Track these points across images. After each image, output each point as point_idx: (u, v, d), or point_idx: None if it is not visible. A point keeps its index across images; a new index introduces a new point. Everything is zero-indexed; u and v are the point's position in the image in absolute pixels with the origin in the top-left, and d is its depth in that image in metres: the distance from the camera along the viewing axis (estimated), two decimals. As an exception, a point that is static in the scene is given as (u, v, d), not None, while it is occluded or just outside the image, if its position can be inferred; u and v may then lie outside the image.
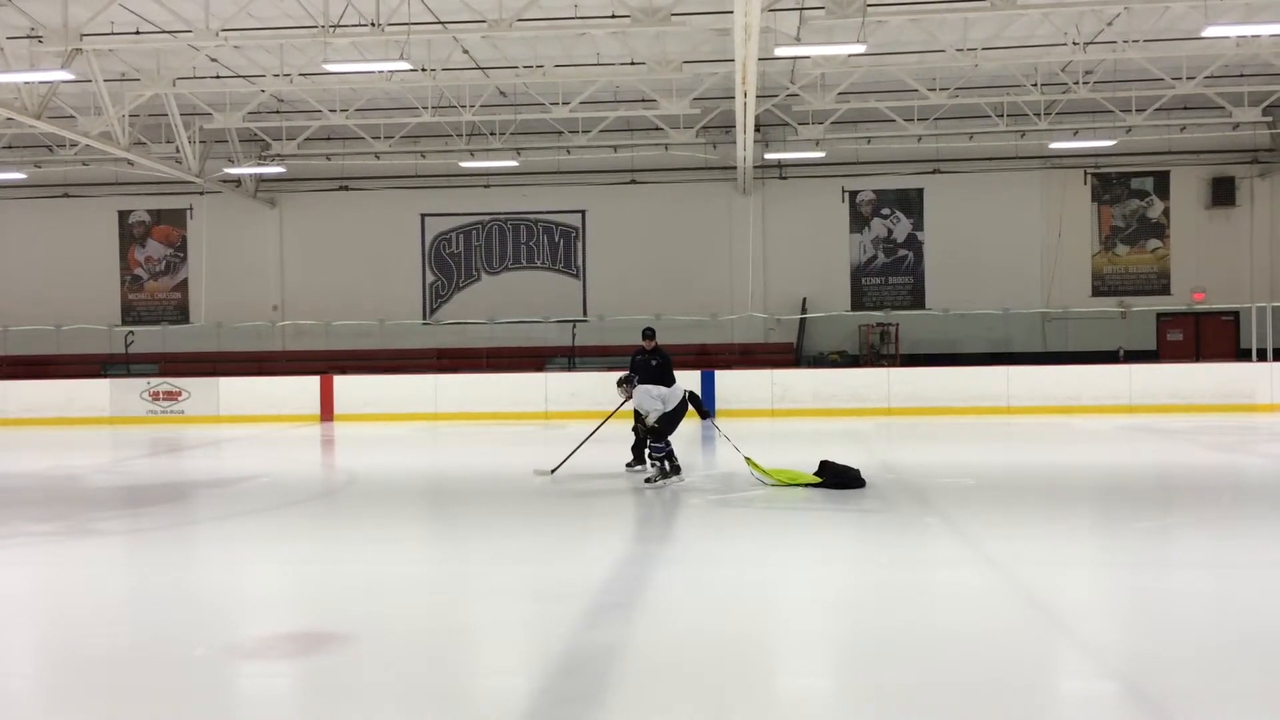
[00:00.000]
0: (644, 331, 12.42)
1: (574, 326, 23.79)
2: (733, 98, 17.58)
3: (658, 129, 23.07)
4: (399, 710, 4.56)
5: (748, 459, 11.29)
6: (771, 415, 19.25)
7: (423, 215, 25.61)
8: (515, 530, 9.04)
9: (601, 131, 22.76)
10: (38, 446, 16.95)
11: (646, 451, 11.05)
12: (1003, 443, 15.76)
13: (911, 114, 22.60)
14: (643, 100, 21.36)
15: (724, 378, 20.13)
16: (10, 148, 23.50)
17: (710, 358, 22.31)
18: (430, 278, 25.67)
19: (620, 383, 11.30)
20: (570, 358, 23.31)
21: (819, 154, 23.28)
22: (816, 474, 10.69)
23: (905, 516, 9.04)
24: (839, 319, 24.60)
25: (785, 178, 24.96)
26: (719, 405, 19.58)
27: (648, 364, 12.11)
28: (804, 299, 24.66)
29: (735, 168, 22.83)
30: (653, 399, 10.87)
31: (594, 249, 25.39)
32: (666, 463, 10.92)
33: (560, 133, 23.27)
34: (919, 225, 25.06)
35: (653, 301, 24.11)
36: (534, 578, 7.11)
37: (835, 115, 22.15)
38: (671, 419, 10.91)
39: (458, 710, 4.61)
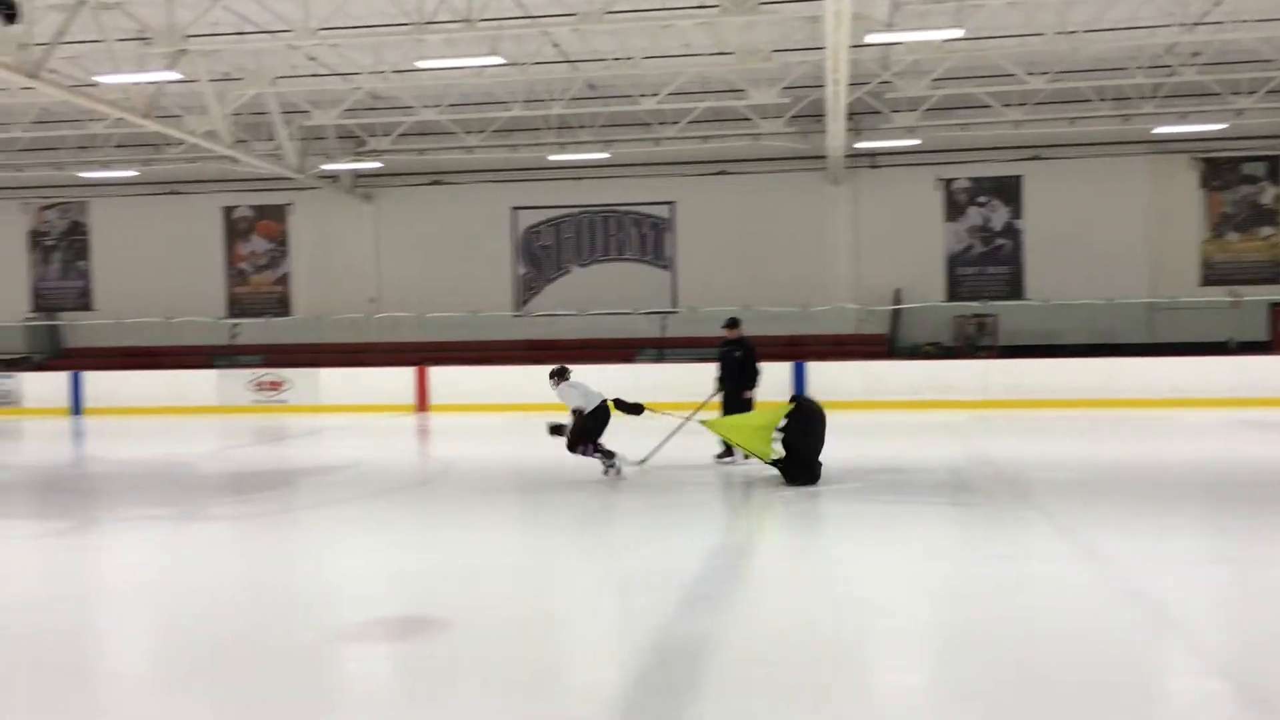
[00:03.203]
0: (727, 321, 12.34)
1: (663, 318, 23.82)
2: (823, 86, 17.37)
3: (746, 119, 22.92)
4: (496, 697, 4.63)
5: (703, 422, 11.24)
6: (864, 408, 19.00)
7: (513, 208, 25.87)
8: (605, 520, 9.10)
9: (690, 122, 22.71)
10: (150, 434, 17.61)
11: (579, 449, 10.78)
12: (1106, 436, 15.31)
13: (1009, 99, 22.05)
14: (731, 90, 21.24)
15: (815, 369, 19.95)
16: (121, 146, 24.40)
17: (800, 349, 22.12)
18: (521, 270, 25.95)
19: (551, 375, 11.16)
20: (659, 349, 23.34)
21: (913, 141, 22.86)
22: (788, 414, 10.36)
23: (1004, 511, 8.85)
24: (933, 310, 24.16)
25: (878, 166, 24.59)
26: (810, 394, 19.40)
27: (730, 355, 12.02)
28: (897, 290, 24.28)
29: (826, 157, 22.56)
30: (576, 396, 10.76)
31: (683, 240, 25.37)
32: (601, 455, 10.77)
33: (649, 124, 23.28)
34: (1017, 213, 24.45)
35: (742, 293, 23.99)
36: (625, 567, 7.15)
37: (930, 102, 21.73)
38: (596, 417, 10.74)
39: (554, 698, 4.66)
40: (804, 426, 10.33)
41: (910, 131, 22.63)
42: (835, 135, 19.87)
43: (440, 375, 21.46)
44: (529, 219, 25.94)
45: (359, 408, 21.07)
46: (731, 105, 21.91)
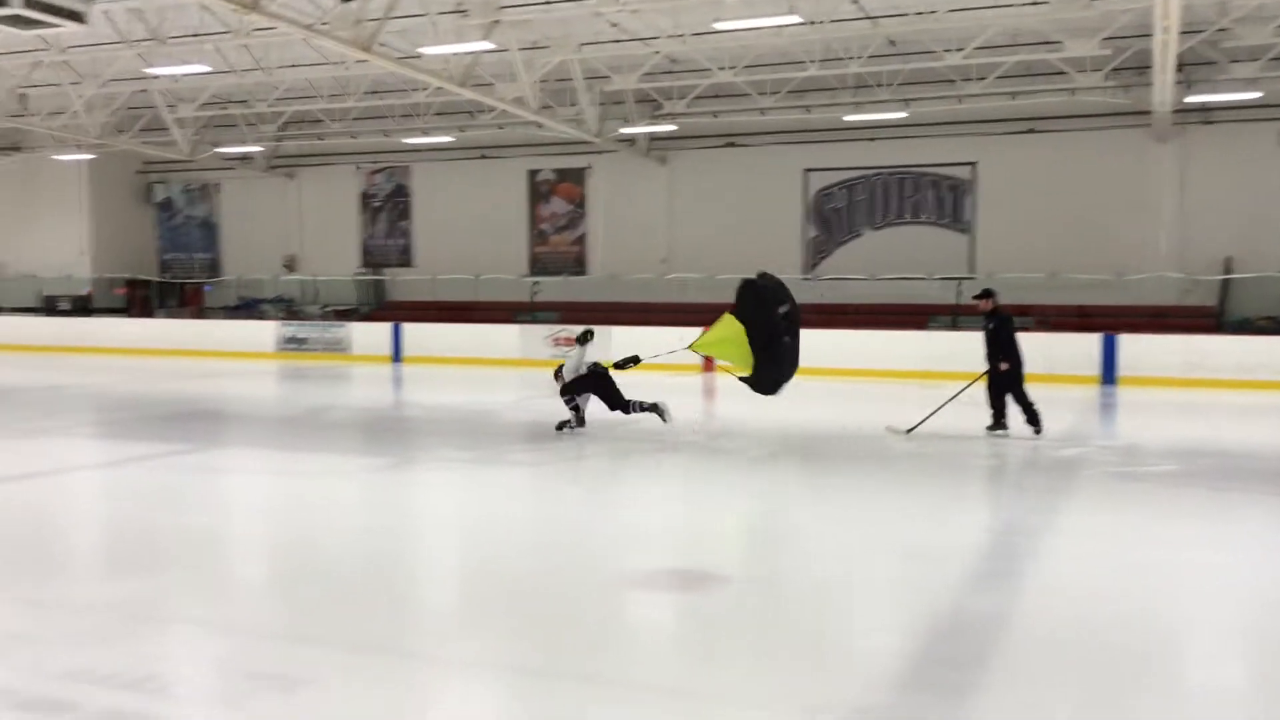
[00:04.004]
0: (980, 292, 11.71)
1: (959, 284, 22.81)
2: (1149, 36, 15.88)
3: (1060, 73, 21.38)
4: (777, 654, 4.61)
5: (689, 346, 11.41)
6: (1183, 385, 17.41)
7: (805, 170, 25.55)
8: (884, 488, 8.86)
9: (997, 78, 21.47)
10: (459, 382, 18.91)
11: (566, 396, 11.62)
12: None
13: (1376, 43, 19.29)
14: (1045, 43, 19.84)
15: (1127, 342, 18.44)
16: (440, 114, 26.17)
17: (1112, 320, 20.51)
18: (811, 233, 25.64)
19: (577, 339, 12.13)
20: (954, 316, 22.39)
21: (1253, 95, 20.52)
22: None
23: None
24: (1272, 280, 21.68)
25: (1211, 122, 22.26)
26: (1120, 372, 18.01)
27: (985, 328, 11.41)
28: (1228, 258, 21.98)
29: (1150, 113, 20.66)
30: (572, 366, 11.71)
31: (985, 202, 24.14)
32: (574, 414, 11.59)
33: (951, 81, 22.22)
34: (1379, 173, 21.44)
35: (1047, 258, 22.54)
36: (906, 537, 6.93)
37: (1274, 51, 19.39)
38: (582, 382, 11.60)
39: (834, 662, 4.59)
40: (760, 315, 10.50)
41: (1250, 84, 20.31)
42: (1162, 89, 18.16)
43: (727, 336, 21.61)
44: (821, 181, 25.54)
45: (648, 367, 21.59)
46: (1044, 59, 20.50)
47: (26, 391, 16.61)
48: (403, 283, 29.08)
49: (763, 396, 10.60)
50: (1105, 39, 18.69)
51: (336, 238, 30.05)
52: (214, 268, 31.53)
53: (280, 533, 7.11)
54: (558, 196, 27.96)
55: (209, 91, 24.24)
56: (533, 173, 28.09)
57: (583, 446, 11.29)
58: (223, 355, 24.32)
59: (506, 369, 22.08)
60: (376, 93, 24.47)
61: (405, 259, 29.43)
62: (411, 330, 24.12)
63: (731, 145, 26.01)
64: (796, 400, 16.24)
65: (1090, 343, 18.34)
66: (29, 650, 4.45)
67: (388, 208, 29.73)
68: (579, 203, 27.78)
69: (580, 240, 27.80)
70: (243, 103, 25.63)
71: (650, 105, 24.99)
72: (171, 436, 11.52)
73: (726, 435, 12.39)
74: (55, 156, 29.04)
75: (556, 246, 28.01)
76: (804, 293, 24.65)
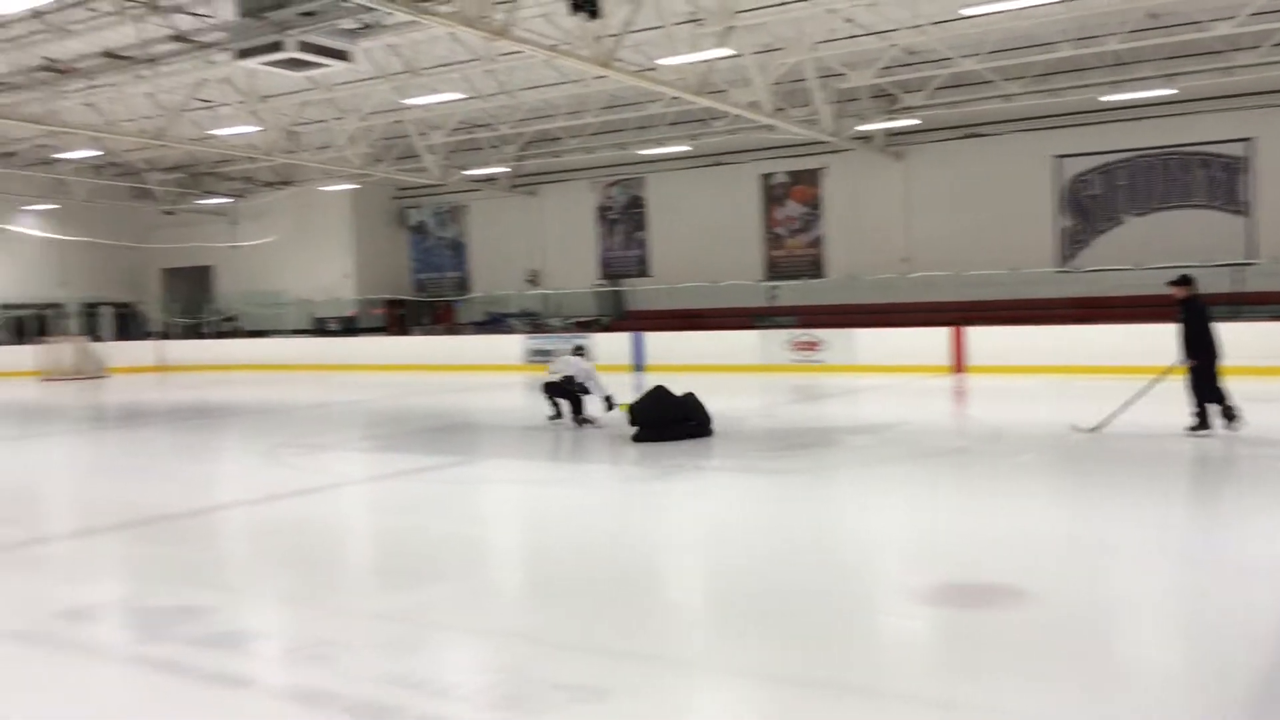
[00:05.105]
0: (1178, 278, 10.76)
1: (1238, 271, 20.90)
2: None
3: (1353, 33, 19.22)
4: (1083, 674, 4.25)
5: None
6: None
7: (1055, 156, 24.15)
8: (1156, 497, 8.15)
9: (1273, 46, 19.54)
10: (700, 390, 18.92)
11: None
12: None
13: None
14: (1331, 1, 17.90)
15: None
16: (674, 124, 26.44)
17: None
18: (1065, 222, 24.19)
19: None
20: (1233, 305, 20.53)
21: None
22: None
23: None
24: None
25: None
26: None
27: (1177, 318, 10.44)
28: None
29: None
30: (591, 377, 13.33)
31: (1264, 181, 22.03)
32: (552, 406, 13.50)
33: (1220, 52, 20.41)
34: None
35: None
36: (1201, 547, 6.31)
37: None
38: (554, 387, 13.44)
39: (1132, 690, 4.19)
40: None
41: None
42: None
43: (976, 335, 20.74)
44: (1074, 167, 24.07)
45: (893, 368, 21.05)
46: (1329, 19, 18.49)
47: (301, 409, 17.94)
48: (641, 292, 29.57)
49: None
50: None
51: (576, 251, 30.94)
52: (463, 285, 33.15)
53: (547, 541, 7.27)
54: (792, 199, 27.67)
55: (457, 117, 25.49)
56: (766, 176, 27.94)
57: (826, 455, 11.05)
58: (473, 369, 25.52)
59: (747, 375, 22.03)
60: (611, 107, 25.01)
61: (642, 269, 29.93)
62: (652, 339, 24.50)
63: (973, 136, 24.94)
64: (1058, 401, 15.32)
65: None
66: (345, 657, 4.70)
67: (624, 219, 30.34)
68: (814, 204, 27.39)
69: (816, 242, 27.40)
70: (487, 126, 26.79)
71: (886, 100, 24.32)
72: (437, 449, 12.10)
73: (985, 440, 11.79)
74: (322, 188, 31.40)
75: (792, 250, 27.72)
76: (1059, 286, 23.48)
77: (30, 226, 33.54)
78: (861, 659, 4.65)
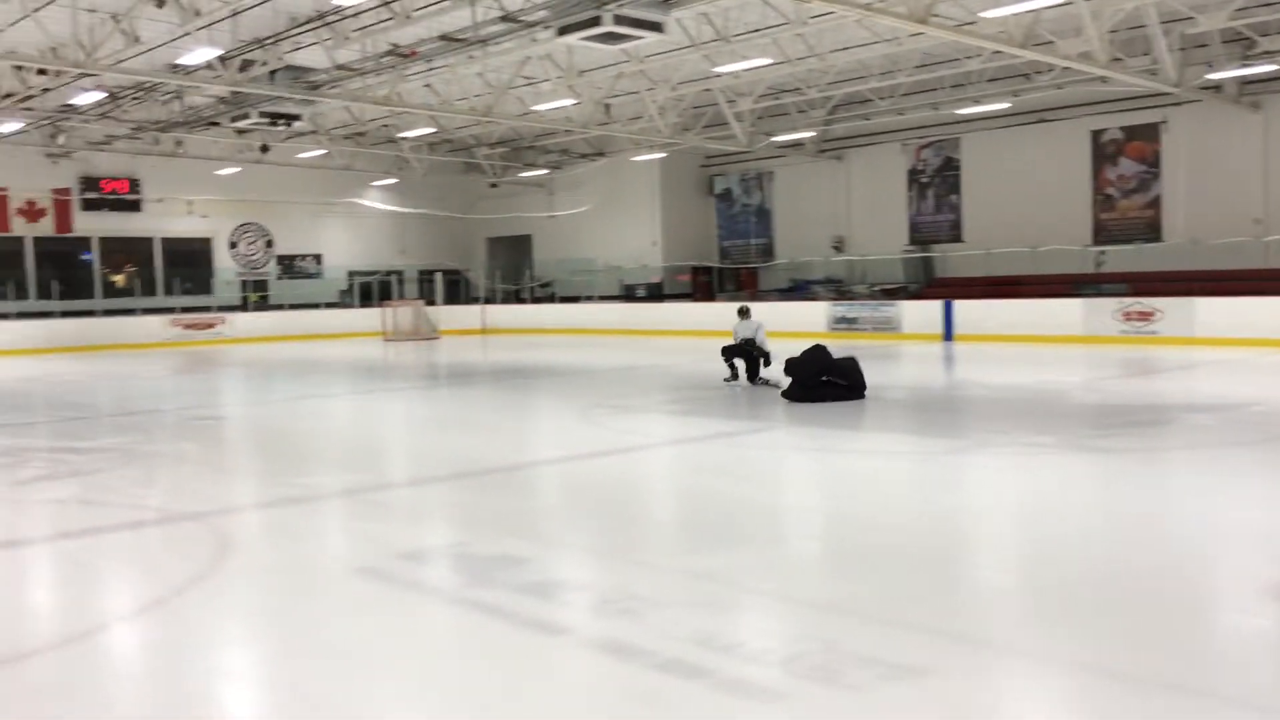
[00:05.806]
0: None
1: None
2: None
3: None
4: None
5: None
6: None
7: None
8: None
9: None
10: (1018, 361, 17.95)
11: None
12: None
13: None
14: None
15: None
16: (993, 80, 24.97)
17: None
18: None
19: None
20: None
21: None
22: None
23: None
24: None
25: None
26: None
27: None
28: None
29: None
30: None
31: None
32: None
33: None
34: None
35: None
36: None
37: None
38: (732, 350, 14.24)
39: None
40: None
41: None
42: None
43: (1346, 306, 18.27)
44: None
45: (1239, 341, 18.97)
46: None
47: (610, 372, 18.61)
48: (952, 258, 28.33)
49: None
50: None
51: (884, 216, 30.07)
52: (768, 252, 33.13)
53: (853, 510, 7.08)
54: (1126, 157, 25.45)
55: (765, 83, 25.38)
56: (1096, 133, 25.85)
57: (1161, 435, 10.09)
58: (779, 335, 25.42)
59: (1069, 346, 20.63)
60: (926, 65, 24.01)
61: (955, 234, 28.64)
62: (963, 307, 23.46)
63: (1350, 79, 21.86)
64: None
65: None
66: (654, 614, 4.78)
67: (936, 182, 29.14)
68: (1152, 162, 25.05)
69: (1154, 203, 25.08)
70: (795, 91, 26.49)
71: (1241, 45, 21.78)
72: (737, 414, 12.16)
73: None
74: (633, 158, 32.34)
75: (1125, 212, 25.53)
76: None
77: (375, 201, 36.99)
78: (1200, 658, 4.18)
